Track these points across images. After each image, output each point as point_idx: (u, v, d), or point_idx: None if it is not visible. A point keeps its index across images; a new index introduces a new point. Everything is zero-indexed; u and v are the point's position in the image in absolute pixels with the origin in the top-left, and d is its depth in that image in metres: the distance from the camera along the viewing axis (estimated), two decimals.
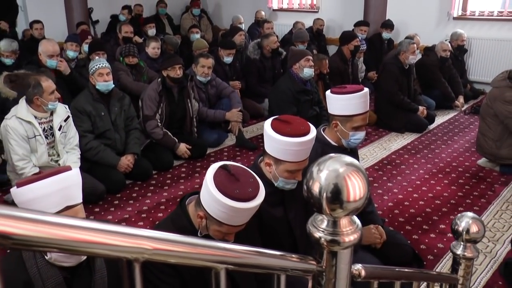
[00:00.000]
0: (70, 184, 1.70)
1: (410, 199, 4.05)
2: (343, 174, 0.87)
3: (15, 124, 3.69)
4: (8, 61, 5.75)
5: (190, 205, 1.97)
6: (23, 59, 5.94)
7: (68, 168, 1.74)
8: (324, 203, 0.86)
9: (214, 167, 1.85)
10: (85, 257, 1.76)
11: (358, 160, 3.14)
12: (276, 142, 2.18)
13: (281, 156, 2.20)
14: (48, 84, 3.72)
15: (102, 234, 0.68)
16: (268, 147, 2.24)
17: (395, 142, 5.45)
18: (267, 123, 2.23)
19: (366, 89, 2.76)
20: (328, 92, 2.83)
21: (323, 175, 0.87)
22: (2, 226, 0.58)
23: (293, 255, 1.01)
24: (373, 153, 5.10)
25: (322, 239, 0.91)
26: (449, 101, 6.55)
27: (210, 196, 1.77)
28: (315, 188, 0.87)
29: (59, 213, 1.65)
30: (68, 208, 1.67)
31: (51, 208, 1.64)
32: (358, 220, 0.95)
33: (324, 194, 0.86)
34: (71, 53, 5.65)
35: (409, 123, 5.71)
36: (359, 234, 0.93)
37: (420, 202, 3.99)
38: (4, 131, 3.74)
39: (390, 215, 3.78)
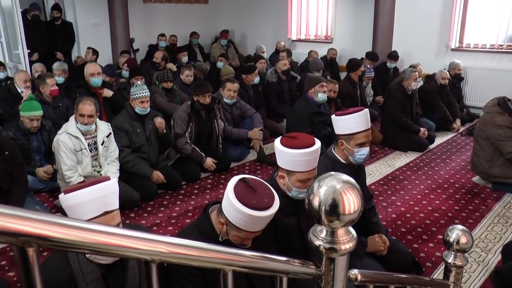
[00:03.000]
0: (108, 192, 1.72)
1: (412, 212, 4.00)
2: (339, 190, 0.88)
3: (65, 139, 3.78)
4: (59, 79, 5.96)
5: (213, 213, 1.98)
6: (73, 82, 6.09)
7: (107, 178, 1.77)
8: (323, 215, 0.88)
9: (234, 179, 1.87)
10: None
11: (365, 175, 3.13)
12: (286, 155, 2.21)
13: (291, 167, 2.22)
14: (82, 107, 3.79)
15: (123, 239, 0.70)
16: (280, 161, 2.26)
17: (399, 160, 5.39)
18: (277, 141, 2.27)
19: (366, 109, 2.76)
20: (333, 116, 2.84)
21: (322, 191, 0.88)
22: (41, 230, 0.61)
23: (296, 260, 1.01)
24: (379, 170, 5.05)
25: (321, 246, 0.92)
26: (448, 123, 6.49)
27: (231, 205, 1.79)
28: (315, 202, 0.88)
29: (98, 217, 1.67)
30: (106, 213, 1.69)
31: (92, 212, 1.66)
32: (353, 230, 0.96)
33: (323, 207, 0.87)
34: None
35: (412, 143, 5.65)
36: (354, 243, 0.93)
37: (420, 215, 3.94)
38: (56, 145, 3.83)
39: (393, 226, 3.74)
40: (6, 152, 3.64)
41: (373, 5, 8.01)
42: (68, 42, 8.29)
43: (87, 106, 3.79)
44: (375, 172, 4.96)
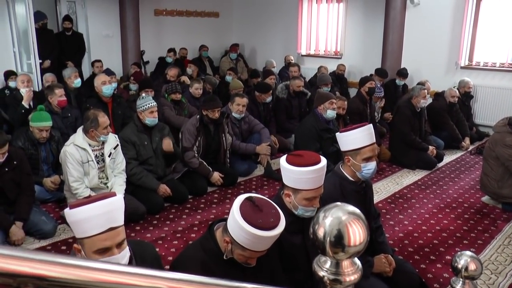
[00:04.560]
0: (114, 208, 1.71)
1: (419, 231, 3.95)
2: (345, 221, 0.87)
3: (72, 150, 3.79)
4: (77, 82, 6.13)
5: (218, 231, 1.97)
6: (84, 92, 6.15)
7: (113, 194, 1.76)
8: (327, 246, 0.86)
9: (240, 198, 1.87)
10: None
11: (373, 193, 3.10)
12: (291, 173, 2.21)
13: (297, 185, 2.22)
14: (104, 120, 3.82)
15: (123, 276, 0.68)
16: (286, 179, 2.26)
17: (407, 178, 5.35)
18: (283, 159, 2.27)
19: (370, 124, 2.76)
20: (337, 133, 2.83)
21: (327, 221, 0.87)
22: (38, 269, 0.60)
23: None
24: (386, 187, 5.01)
25: (326, 277, 0.90)
26: (456, 142, 6.44)
27: (236, 224, 1.78)
28: (320, 233, 0.87)
29: (103, 233, 1.66)
30: (111, 229, 1.67)
31: (97, 228, 1.65)
32: (359, 261, 0.95)
33: (328, 238, 0.86)
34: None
35: (420, 161, 5.61)
36: (359, 274, 0.92)
37: (428, 234, 3.89)
38: (64, 156, 3.84)
39: (400, 245, 3.69)
40: (15, 162, 3.67)
41: (383, 22, 8.05)
42: (79, 53, 8.36)
43: (106, 119, 3.85)
44: (382, 190, 4.92)
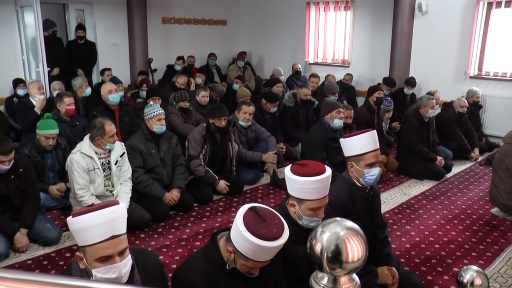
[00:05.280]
0: (116, 216, 1.70)
1: (426, 242, 3.91)
2: (343, 237, 0.86)
3: (78, 158, 3.81)
4: (88, 90, 6.23)
5: (221, 240, 1.96)
6: (92, 100, 6.19)
7: (116, 202, 1.76)
8: (324, 262, 0.85)
9: (244, 208, 1.85)
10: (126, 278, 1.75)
11: (380, 202, 3.08)
12: (296, 183, 2.19)
13: (302, 195, 2.20)
14: (110, 128, 3.83)
15: None
16: (290, 188, 2.25)
17: (415, 188, 5.30)
18: (287, 168, 2.26)
19: (373, 130, 2.76)
20: (341, 139, 2.83)
21: (325, 237, 0.86)
22: None
23: None
24: (393, 198, 4.98)
25: None
26: (465, 152, 6.38)
27: (239, 234, 1.77)
28: (317, 248, 0.86)
29: (105, 241, 1.65)
30: (113, 237, 1.67)
31: (99, 236, 1.65)
32: (357, 278, 0.93)
33: (325, 254, 0.85)
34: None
35: (428, 171, 5.56)
36: None
37: (435, 246, 3.85)
38: (70, 164, 3.86)
39: (407, 256, 3.66)
40: (21, 169, 3.69)
41: (391, 30, 8.03)
42: (90, 61, 8.41)
43: (112, 127, 3.87)
44: (389, 200, 4.88)
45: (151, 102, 5.20)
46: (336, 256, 0.86)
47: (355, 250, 0.88)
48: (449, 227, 4.22)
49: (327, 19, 9.54)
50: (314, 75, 8.08)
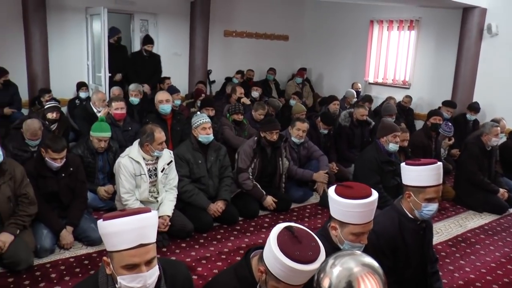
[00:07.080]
0: (146, 224, 1.66)
1: (483, 281, 3.60)
2: (357, 274, 0.73)
3: (126, 162, 3.86)
4: (135, 100, 6.28)
5: (254, 258, 1.87)
6: (147, 107, 6.31)
7: (147, 210, 1.71)
8: None
9: (279, 226, 1.75)
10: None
11: (432, 235, 2.87)
12: (339, 205, 2.08)
13: (345, 218, 2.08)
14: (160, 136, 3.86)
15: None
16: (333, 210, 2.14)
17: (472, 220, 4.95)
18: (331, 189, 2.14)
19: (439, 163, 2.57)
20: (403, 164, 2.67)
21: (335, 271, 0.73)
22: None
23: None
24: (448, 229, 4.66)
25: None
26: None
27: (272, 254, 1.67)
28: (325, 284, 0.73)
29: (132, 249, 1.61)
30: (141, 245, 1.62)
31: (127, 243, 1.61)
32: None
33: None
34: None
35: (487, 204, 5.18)
36: None
37: (493, 286, 3.53)
38: (117, 167, 3.92)
39: None
40: (71, 168, 3.81)
41: (456, 52, 7.70)
42: (155, 75, 8.03)
43: (162, 134, 3.89)
44: (443, 231, 4.58)
45: (199, 112, 5.21)
46: None
47: None
48: (510, 267, 3.88)
49: (390, 38, 9.30)
50: (369, 99, 7.85)
